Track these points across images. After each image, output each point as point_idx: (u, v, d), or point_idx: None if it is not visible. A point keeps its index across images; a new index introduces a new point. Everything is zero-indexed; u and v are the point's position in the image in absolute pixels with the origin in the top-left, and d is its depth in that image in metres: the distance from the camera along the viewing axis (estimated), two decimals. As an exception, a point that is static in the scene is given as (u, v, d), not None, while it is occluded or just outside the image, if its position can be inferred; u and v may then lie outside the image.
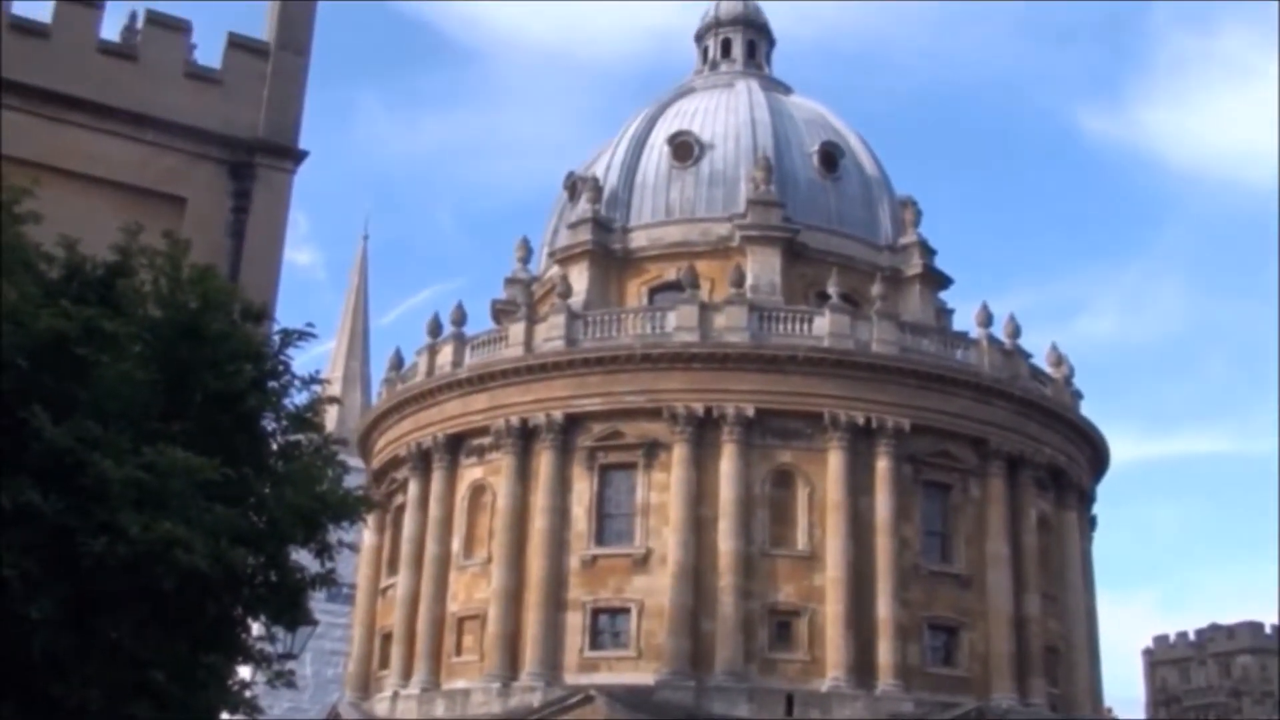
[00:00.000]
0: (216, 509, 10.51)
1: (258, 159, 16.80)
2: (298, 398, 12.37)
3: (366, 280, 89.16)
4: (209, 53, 17.45)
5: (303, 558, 12.41)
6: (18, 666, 10.16)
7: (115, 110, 16.25)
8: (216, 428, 11.35)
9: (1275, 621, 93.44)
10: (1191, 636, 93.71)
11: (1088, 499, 52.35)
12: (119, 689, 10.70)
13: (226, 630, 11.99)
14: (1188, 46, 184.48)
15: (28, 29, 16.04)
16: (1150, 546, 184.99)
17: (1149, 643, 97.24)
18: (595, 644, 43.04)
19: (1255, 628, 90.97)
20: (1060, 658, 46.83)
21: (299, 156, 17.33)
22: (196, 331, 11.38)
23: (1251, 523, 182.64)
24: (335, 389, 69.21)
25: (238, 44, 17.34)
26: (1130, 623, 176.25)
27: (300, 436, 12.32)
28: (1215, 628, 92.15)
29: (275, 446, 12.20)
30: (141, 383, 10.71)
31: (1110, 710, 70.99)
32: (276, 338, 12.45)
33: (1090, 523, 52.81)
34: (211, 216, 16.26)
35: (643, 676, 41.39)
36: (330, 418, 54.04)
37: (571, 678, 42.21)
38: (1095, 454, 51.95)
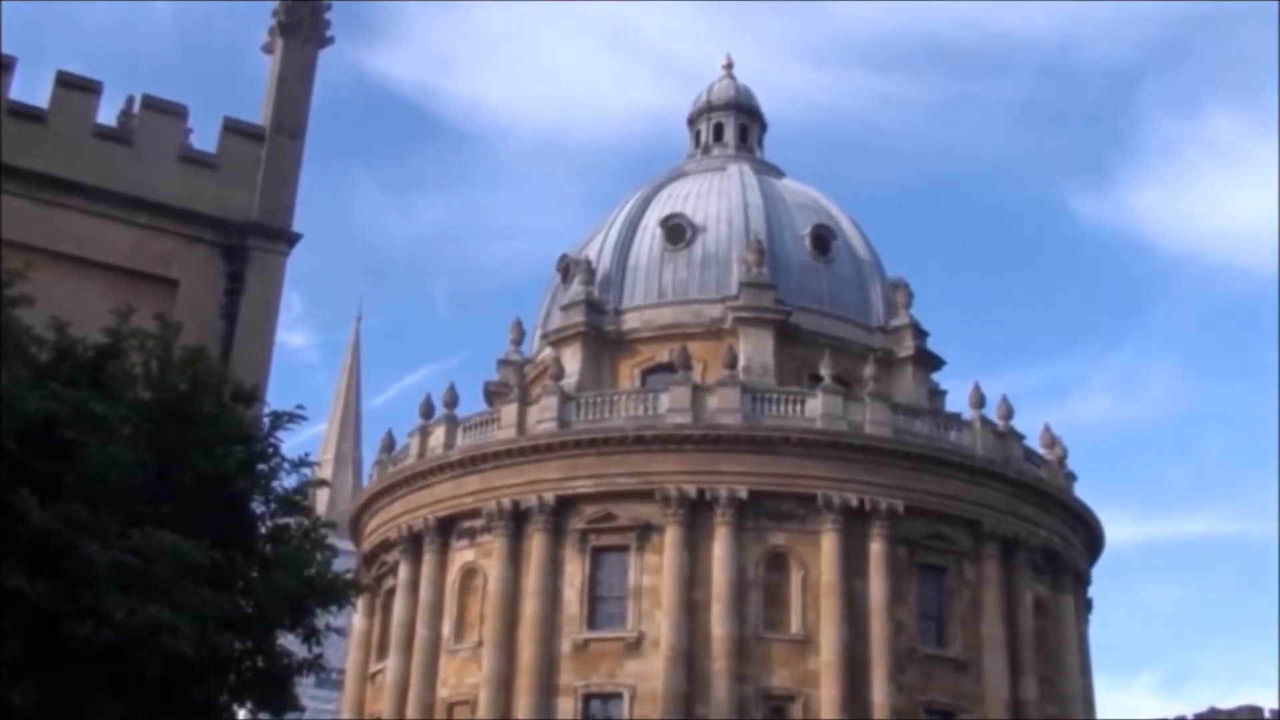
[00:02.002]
0: (203, 593, 10.42)
1: (251, 241, 16.88)
2: (287, 480, 12.34)
3: (359, 361, 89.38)
4: (205, 137, 17.61)
5: (290, 642, 12.28)
6: (-1, 755, 10.00)
7: (110, 194, 16.35)
8: (205, 510, 11.29)
9: (1275, 705, 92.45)
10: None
11: (1084, 581, 52.03)
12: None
13: (212, 716, 11.84)
14: (1175, 130, 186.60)
15: (25, 113, 16.18)
16: (1148, 629, 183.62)
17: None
18: (587, 730, 42.45)
19: (1254, 711, 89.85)
20: (1058, 743, 46.23)
21: (293, 239, 17.42)
22: (186, 414, 11.36)
23: (1250, 605, 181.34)
24: (326, 471, 68.97)
25: (233, 128, 17.50)
26: (1129, 707, 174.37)
27: (289, 520, 12.26)
28: (1214, 711, 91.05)
29: (264, 530, 12.13)
30: (130, 465, 10.67)
31: (1110, 797, 69.97)
32: (267, 420, 12.43)
33: (1086, 605, 52.44)
34: (204, 299, 16.29)
35: (635, 763, 40.77)
36: (320, 500, 53.74)
37: (563, 765, 41.59)
38: (1090, 536, 51.72)
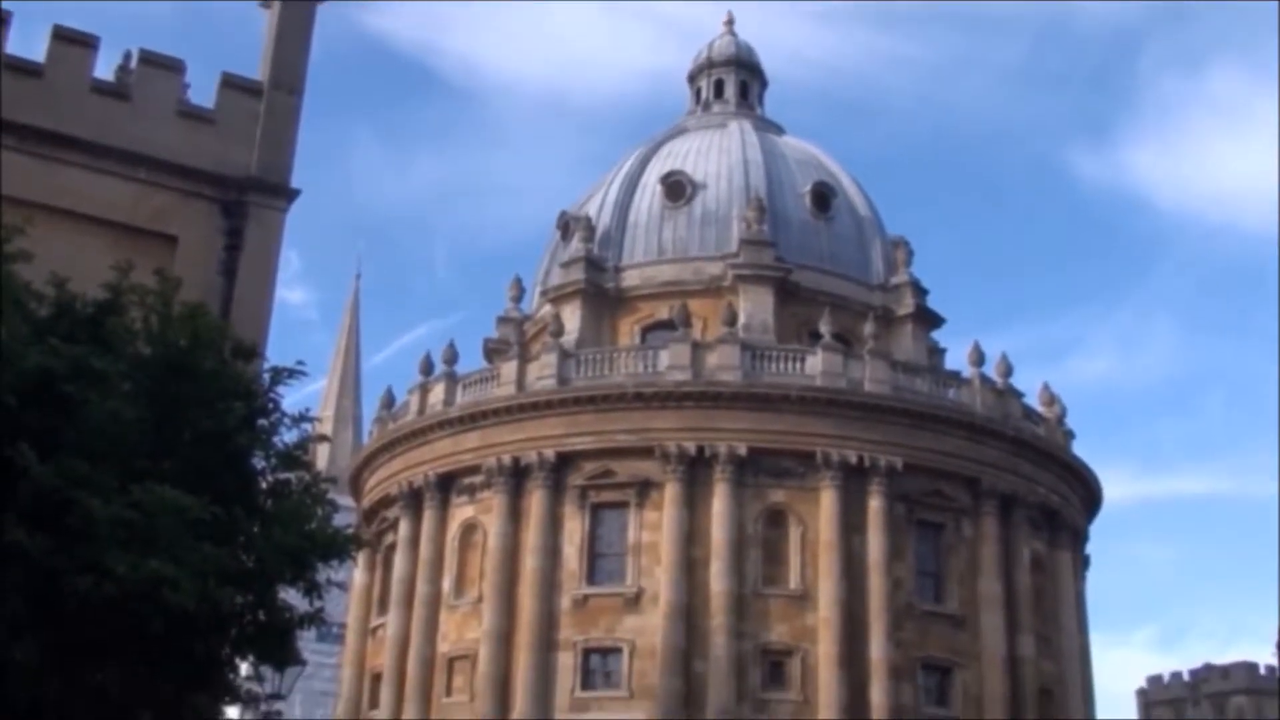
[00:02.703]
0: (204, 548, 10.46)
1: (250, 197, 16.84)
2: (287, 436, 12.37)
3: (359, 319, 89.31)
4: (203, 92, 17.53)
5: (291, 597, 12.34)
6: (2, 711, 10.07)
7: (108, 149, 16.29)
8: (205, 466, 11.32)
9: (1270, 662, 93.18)
10: (1186, 677, 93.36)
11: (1081, 539, 52.24)
12: (106, 731, 10.61)
13: (214, 671, 11.91)
14: (1177, 89, 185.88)
15: (22, 68, 16.08)
16: (1145, 586, 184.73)
17: (1143, 683, 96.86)
18: (586, 684, 42.73)
19: (1250, 668, 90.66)
20: (1054, 699, 46.53)
21: (291, 195, 17.37)
22: (186, 369, 11.36)
23: (1247, 562, 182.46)
24: (326, 428, 69.11)
25: (231, 83, 17.41)
26: (1124, 663, 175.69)
27: (289, 475, 12.30)
28: (1210, 668, 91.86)
29: (264, 485, 12.17)
30: (130, 421, 10.68)
31: (1105, 751, 70.64)
32: (267, 376, 12.44)
33: (1084, 562, 52.68)
34: (203, 255, 16.27)
35: (635, 716, 41.07)
36: (321, 456, 53.90)
37: (563, 717, 41.89)
38: (1088, 493, 51.88)
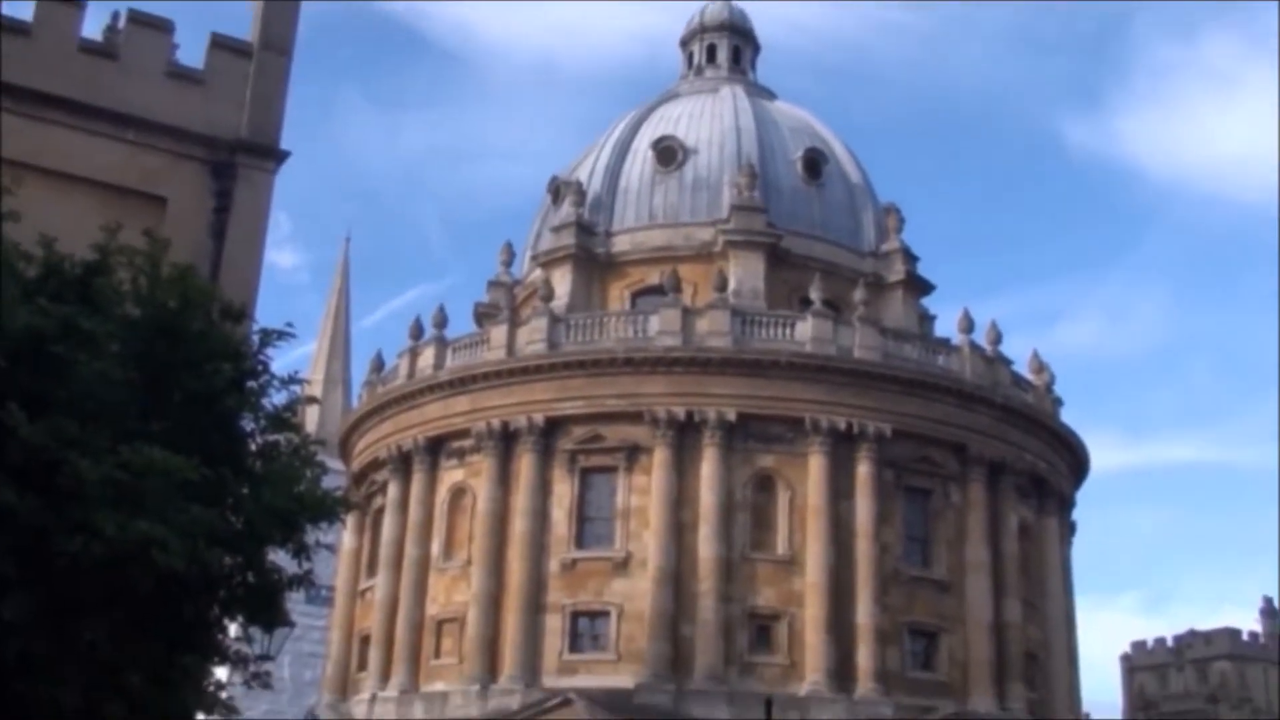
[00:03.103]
0: (193, 509, 10.48)
1: (239, 159, 16.75)
2: (276, 398, 12.36)
3: (348, 282, 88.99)
4: (191, 53, 17.41)
5: (280, 559, 12.38)
6: (-8, 668, 10.12)
7: (96, 109, 16.18)
8: (194, 427, 11.32)
9: (1253, 628, 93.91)
10: (1169, 643, 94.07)
11: (1068, 505, 52.53)
12: (94, 691, 10.65)
13: (203, 631, 11.95)
14: (1170, 56, 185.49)
15: (8, 27, 15.96)
16: (1131, 553, 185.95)
17: (1127, 649, 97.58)
18: (574, 647, 42.99)
19: (1233, 634, 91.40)
20: (1039, 663, 46.94)
21: (281, 157, 17.29)
22: (175, 331, 11.35)
23: (1231, 529, 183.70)
24: (316, 391, 69.04)
25: (220, 44, 17.29)
26: (1109, 629, 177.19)
27: (279, 437, 12.30)
28: (1193, 634, 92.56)
29: (253, 447, 12.18)
30: (119, 382, 10.68)
31: (1088, 715, 71.18)
32: (256, 338, 12.42)
33: (1070, 529, 53.00)
34: (192, 216, 16.20)
35: (622, 680, 41.34)
36: (310, 419, 53.86)
37: (550, 681, 42.15)
38: (1075, 460, 52.14)
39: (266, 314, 14.61)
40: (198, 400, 11.41)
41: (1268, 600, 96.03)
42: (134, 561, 10.19)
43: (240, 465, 11.80)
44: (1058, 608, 49.04)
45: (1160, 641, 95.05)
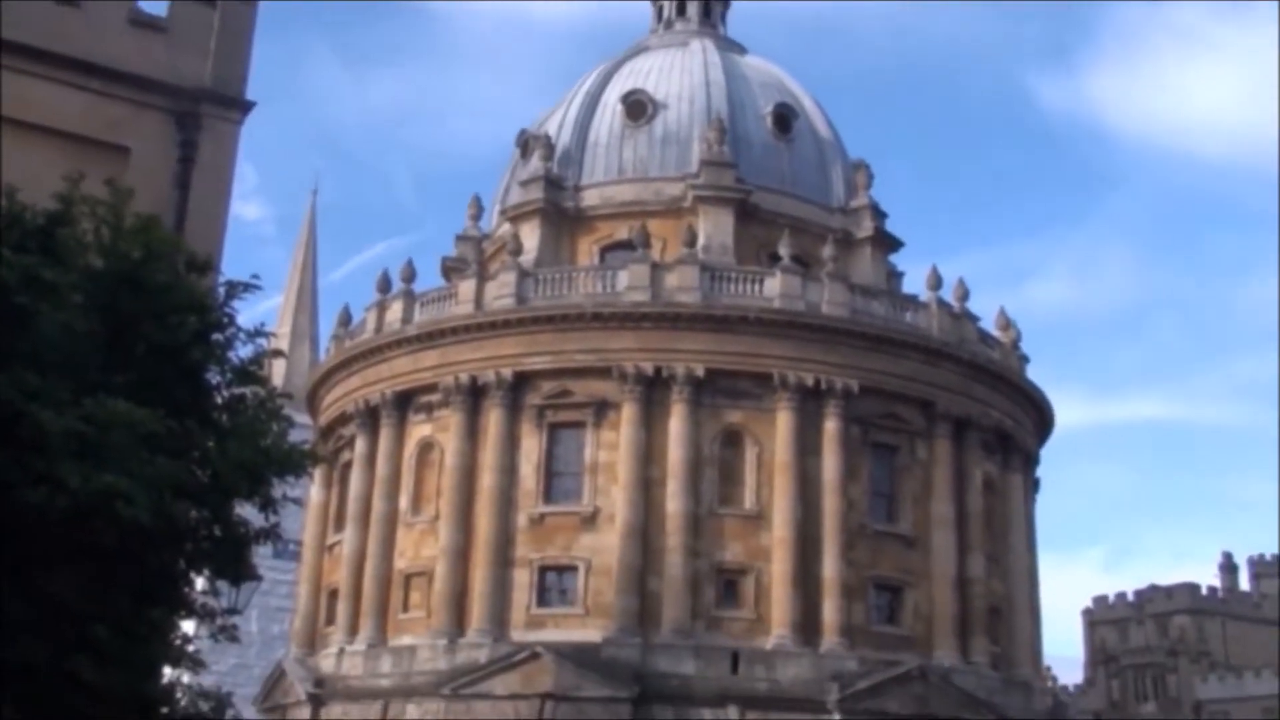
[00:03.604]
0: (158, 461, 10.42)
1: (204, 109, 16.54)
2: (242, 351, 12.28)
3: (315, 236, 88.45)
4: (155, 1, 17.18)
5: (247, 512, 12.34)
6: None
7: (58, 57, 15.93)
8: (159, 380, 11.23)
9: (1212, 583, 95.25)
10: (1130, 597, 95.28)
11: (1032, 462, 52.93)
12: (60, 644, 10.61)
13: (169, 585, 11.93)
14: (1139, 15, 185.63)
15: (-32, -27, 15.67)
16: (1094, 509, 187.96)
17: (1089, 603, 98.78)
18: (542, 601, 43.15)
19: (1192, 589, 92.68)
20: (1002, 617, 47.44)
21: (246, 107, 17.09)
22: (139, 282, 11.23)
23: (1193, 486, 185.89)
24: (282, 344, 68.56)
25: (184, -9, 17.04)
26: (1072, 584, 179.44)
27: (245, 390, 12.23)
28: (1154, 589, 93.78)
29: (219, 400, 12.10)
30: (82, 333, 10.58)
31: (1050, 669, 72.16)
32: (221, 290, 12.32)
33: (1034, 485, 53.43)
34: (156, 167, 16.00)
35: (590, 634, 41.55)
36: (277, 373, 53.57)
37: (518, 635, 42.31)
38: (1041, 417, 52.51)
39: (232, 267, 14.47)
40: (162, 352, 11.31)
41: (1227, 555, 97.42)
42: (98, 514, 10.14)
43: (206, 418, 11.74)
44: (1021, 563, 49.52)
45: (1121, 596, 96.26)
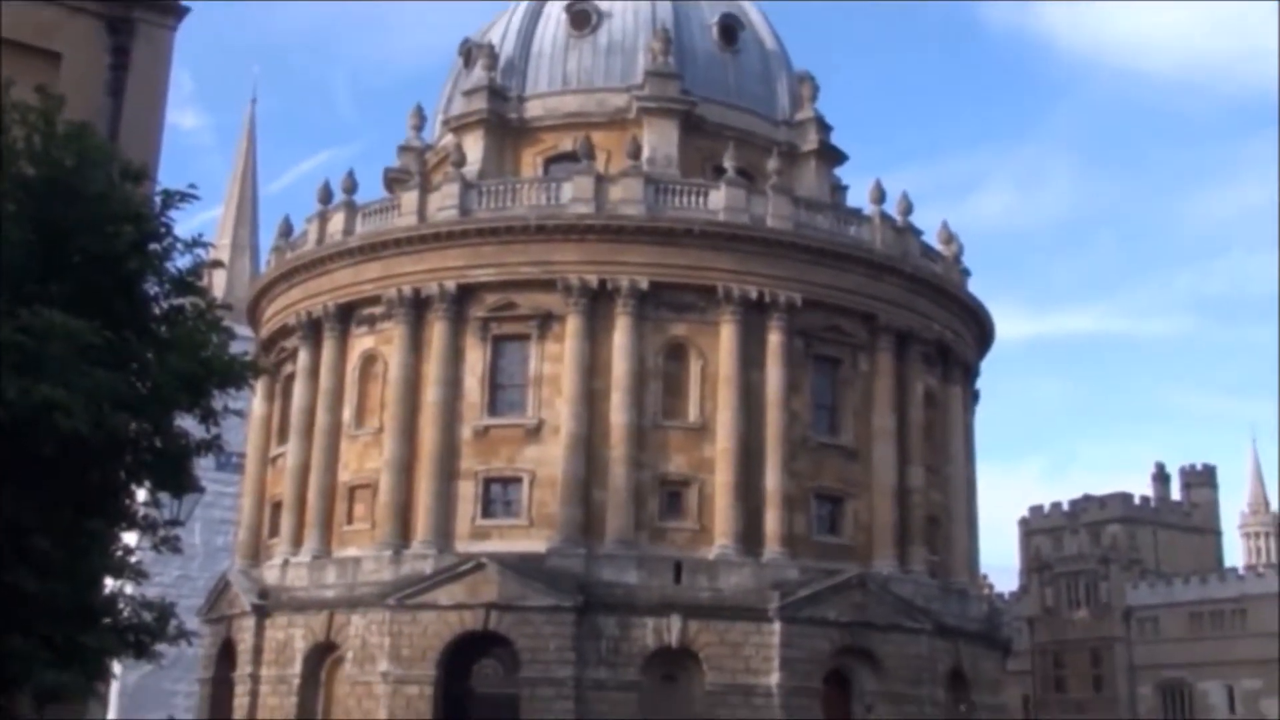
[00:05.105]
0: (97, 373, 10.32)
1: (136, 14, 16.12)
2: (181, 262, 12.08)
3: (255, 145, 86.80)
4: (83, -100, 16.63)
5: (188, 424, 12.27)
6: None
7: (-16, -41, 15.45)
8: (96, 290, 11.08)
9: (1144, 492, 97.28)
10: (1065, 507, 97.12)
11: (972, 374, 53.58)
12: (0, 556, 10.57)
13: (110, 496, 11.87)
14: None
15: None
16: (1032, 421, 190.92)
17: (1026, 513, 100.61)
18: (487, 513, 43.38)
19: (1125, 498, 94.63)
20: (940, 527, 48.29)
21: (180, 12, 16.68)
22: (73, 190, 11.02)
23: (1130, 398, 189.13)
24: (223, 256, 67.89)
25: (114, -109, 16.53)
26: (1012, 494, 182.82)
27: (183, 301, 12.09)
28: (1088, 498, 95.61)
29: (157, 311, 11.95)
30: (15, 243, 10.40)
31: (986, 577, 73.77)
32: (158, 199, 12.10)
33: (974, 397, 54.14)
34: (88, 73, 15.62)
35: (534, 545, 41.89)
36: (218, 285, 52.98)
37: (463, 546, 42.57)
38: (981, 330, 53.07)
39: (169, 176, 14.27)
40: (98, 262, 11.14)
41: (1159, 466, 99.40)
42: (37, 426, 10.06)
43: (144, 329, 11.60)
44: (960, 474, 50.32)
45: (1057, 506, 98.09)
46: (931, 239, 51.22)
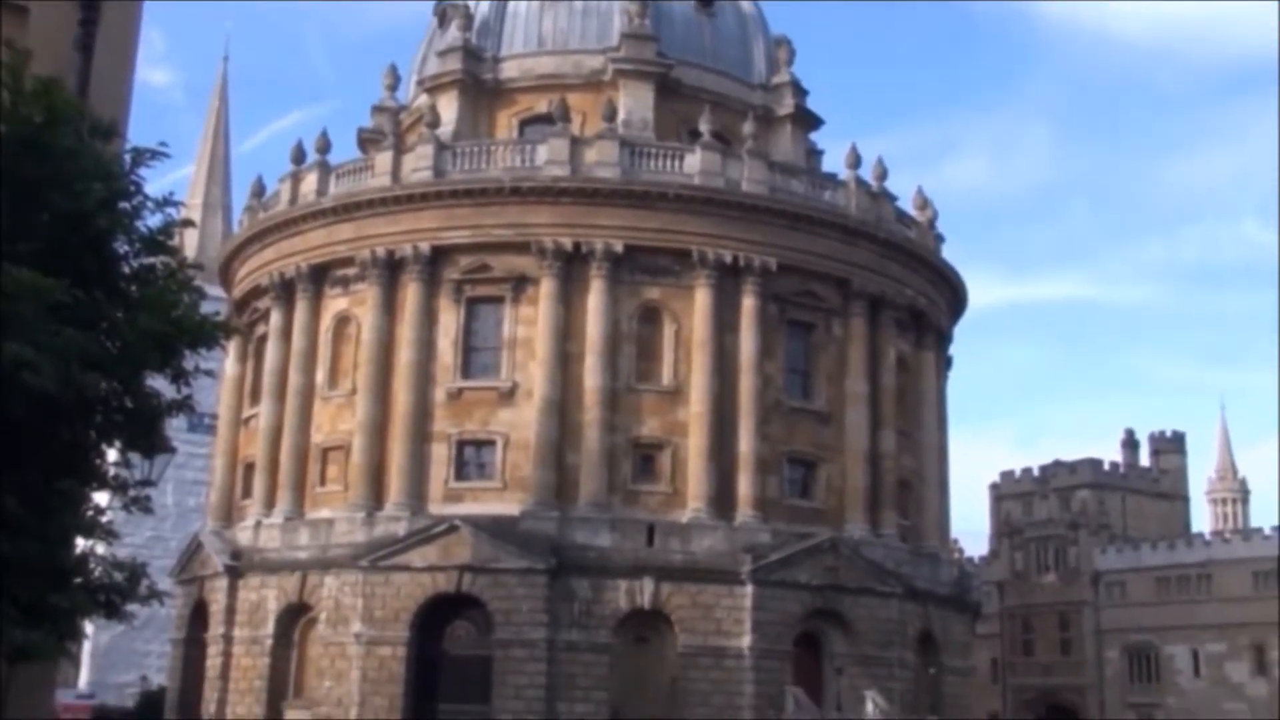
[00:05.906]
0: (66, 332, 10.23)
1: (106, -32, 15.92)
2: (151, 220, 11.95)
3: (227, 104, 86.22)
4: None
5: (159, 384, 12.19)
6: None
7: (-51, -90, 15.20)
8: (65, 248, 10.96)
9: (1114, 458, 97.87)
10: (1035, 472, 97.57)
11: (945, 340, 53.76)
12: (-32, 515, 10.51)
13: (80, 456, 11.79)
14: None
15: None
16: (1005, 387, 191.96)
17: (996, 478, 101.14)
18: (460, 475, 43.40)
19: (1095, 464, 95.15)
20: (912, 492, 48.58)
21: (151, -32, 16.50)
22: (41, 147, 10.87)
23: (1101, 364, 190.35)
24: (194, 215, 67.35)
25: None
26: (984, 459, 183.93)
27: (154, 260, 11.97)
28: (1058, 464, 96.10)
29: (128, 270, 11.84)
30: (-18, 199, 10.28)
31: (957, 541, 74.27)
32: (128, 157, 11.96)
33: (947, 363, 54.35)
34: (57, 28, 15.40)
35: (508, 507, 41.95)
36: (190, 245, 52.62)
37: (436, 508, 42.59)
38: (954, 296, 53.22)
39: (140, 134, 14.08)
40: (68, 220, 11.01)
41: (1129, 432, 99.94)
42: (5, 385, 9.97)
43: (114, 288, 11.49)
44: (932, 438, 50.58)
45: (1027, 471, 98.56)
46: (906, 204, 51.31)
